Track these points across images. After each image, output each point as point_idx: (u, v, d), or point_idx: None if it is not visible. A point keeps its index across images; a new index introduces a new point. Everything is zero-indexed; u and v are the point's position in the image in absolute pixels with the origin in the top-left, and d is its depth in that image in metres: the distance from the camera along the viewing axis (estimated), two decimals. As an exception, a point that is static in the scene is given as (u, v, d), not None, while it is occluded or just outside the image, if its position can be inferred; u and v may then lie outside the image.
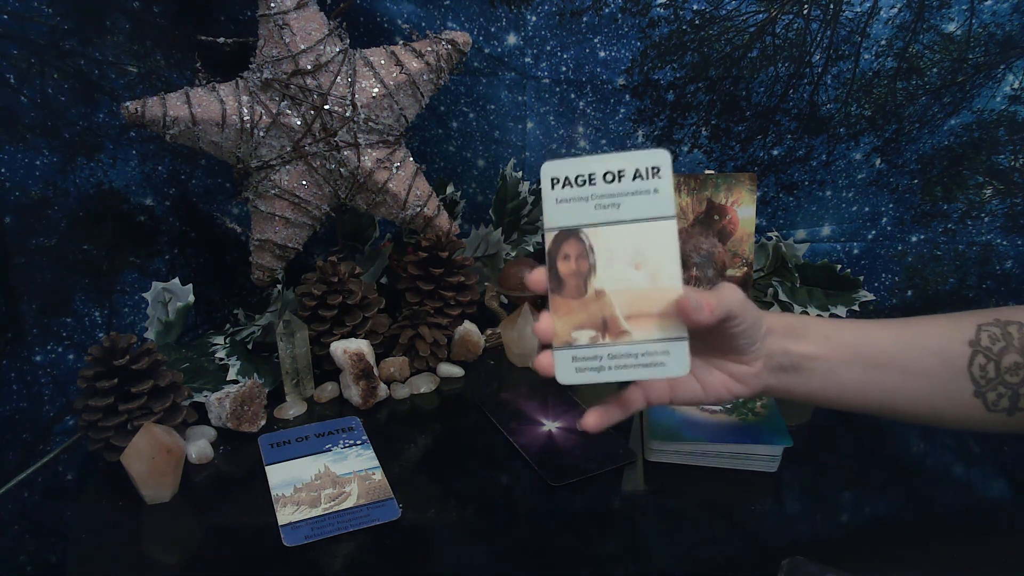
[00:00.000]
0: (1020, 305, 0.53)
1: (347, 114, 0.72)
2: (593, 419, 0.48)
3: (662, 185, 0.44)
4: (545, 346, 0.45)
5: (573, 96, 0.91)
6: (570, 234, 0.45)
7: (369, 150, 0.74)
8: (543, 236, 0.45)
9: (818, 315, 0.87)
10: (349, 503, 0.58)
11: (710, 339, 0.49)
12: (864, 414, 0.54)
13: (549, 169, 0.45)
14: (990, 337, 0.50)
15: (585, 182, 0.45)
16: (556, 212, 0.45)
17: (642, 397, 0.49)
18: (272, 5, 0.68)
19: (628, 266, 0.45)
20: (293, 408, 0.72)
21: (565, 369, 0.45)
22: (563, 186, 0.45)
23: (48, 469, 0.67)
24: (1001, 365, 0.50)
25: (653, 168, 0.44)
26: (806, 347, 0.50)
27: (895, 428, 0.71)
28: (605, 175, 0.45)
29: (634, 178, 0.45)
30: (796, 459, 0.63)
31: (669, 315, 0.44)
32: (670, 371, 0.44)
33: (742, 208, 0.81)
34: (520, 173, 0.94)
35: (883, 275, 0.96)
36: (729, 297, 0.45)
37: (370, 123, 0.73)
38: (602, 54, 0.88)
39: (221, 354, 0.75)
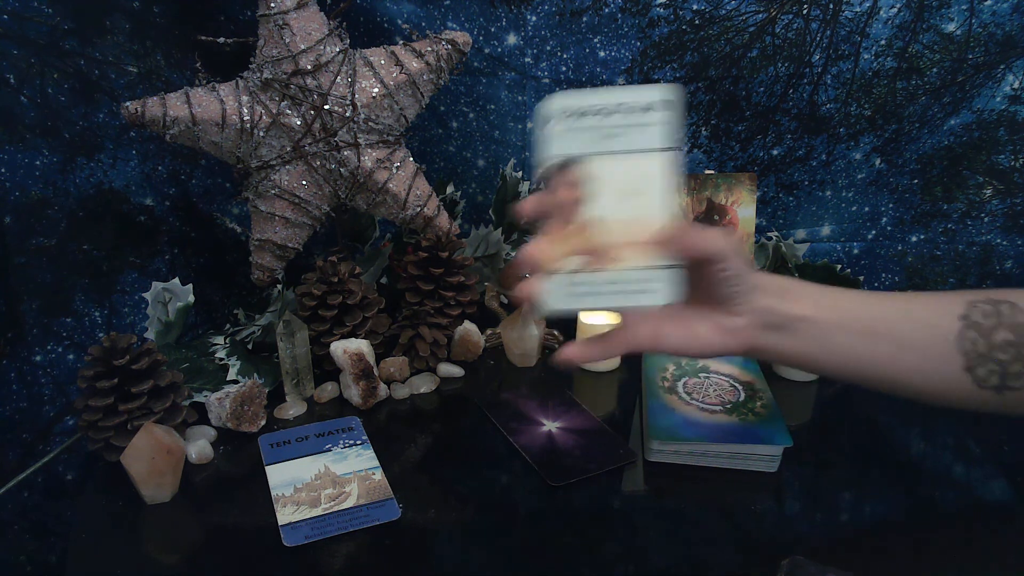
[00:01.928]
0: (1013, 288, 0.53)
1: (347, 114, 0.72)
2: (573, 351, 0.49)
3: (666, 119, 0.44)
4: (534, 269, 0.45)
5: (573, 96, 0.91)
6: (568, 162, 0.45)
7: (369, 150, 0.74)
8: (541, 163, 0.45)
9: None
10: (349, 503, 0.58)
11: (698, 284, 0.48)
12: (854, 384, 0.53)
13: (556, 100, 0.45)
14: (982, 313, 0.50)
15: (588, 113, 0.45)
16: (557, 140, 0.45)
17: (627, 338, 0.50)
18: (272, 5, 0.68)
19: (623, 195, 0.45)
20: (293, 408, 0.72)
21: (555, 295, 0.45)
22: (567, 116, 0.45)
23: (48, 469, 0.67)
24: (992, 341, 0.50)
25: (660, 102, 0.44)
26: (798, 308, 0.50)
27: (895, 428, 0.71)
28: (611, 106, 0.45)
29: (639, 111, 0.45)
30: (796, 459, 0.63)
31: (654, 250, 0.44)
32: (657, 298, 0.45)
33: (742, 208, 0.81)
34: (520, 173, 0.94)
35: (883, 275, 0.96)
36: (715, 239, 0.45)
37: (370, 123, 0.73)
38: (602, 54, 0.88)
39: (221, 354, 0.75)
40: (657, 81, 0.89)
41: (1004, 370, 0.50)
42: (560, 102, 0.45)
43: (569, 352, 0.49)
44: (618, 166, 0.45)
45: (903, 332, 0.51)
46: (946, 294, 0.53)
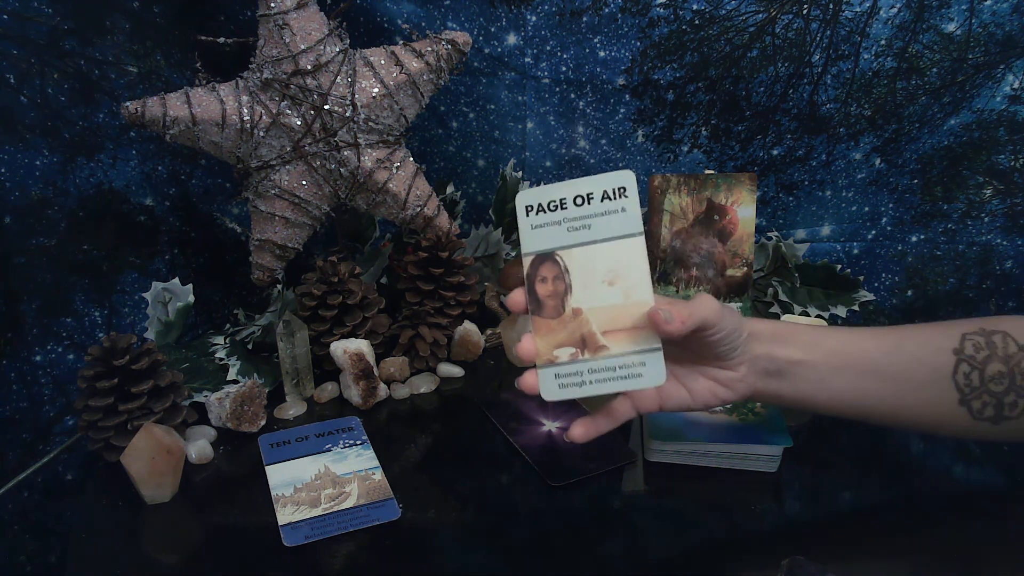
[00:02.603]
0: (1006, 315, 0.54)
1: (347, 114, 0.72)
2: (580, 430, 0.50)
3: (629, 204, 0.47)
4: (530, 367, 0.48)
5: (573, 96, 0.91)
6: (546, 257, 0.47)
7: (369, 150, 0.74)
8: (521, 261, 0.48)
9: (818, 315, 0.87)
10: (349, 503, 0.58)
11: (690, 347, 0.50)
12: (853, 420, 0.54)
13: (523, 198, 0.47)
14: (974, 346, 0.51)
15: (557, 207, 0.47)
16: (532, 237, 0.48)
17: (630, 407, 0.51)
18: (272, 5, 0.68)
19: (602, 284, 0.47)
20: (293, 408, 0.72)
21: (549, 386, 0.47)
22: (536, 212, 0.47)
23: (48, 469, 0.67)
24: (985, 374, 0.50)
25: (619, 189, 0.47)
26: (792, 352, 0.51)
27: (895, 428, 0.71)
28: (575, 199, 0.47)
29: (602, 199, 0.47)
30: (796, 459, 0.63)
31: (643, 328, 0.46)
32: (647, 382, 0.46)
33: (742, 208, 0.81)
34: (520, 173, 0.94)
35: (883, 275, 0.96)
36: (701, 308, 0.46)
37: (370, 123, 0.73)
38: (602, 54, 0.88)
39: (221, 354, 0.75)
40: (657, 81, 0.89)
41: (999, 401, 0.50)
42: (529, 199, 0.47)
43: (577, 432, 0.50)
44: (593, 256, 0.47)
45: (897, 369, 0.52)
46: (939, 326, 0.53)
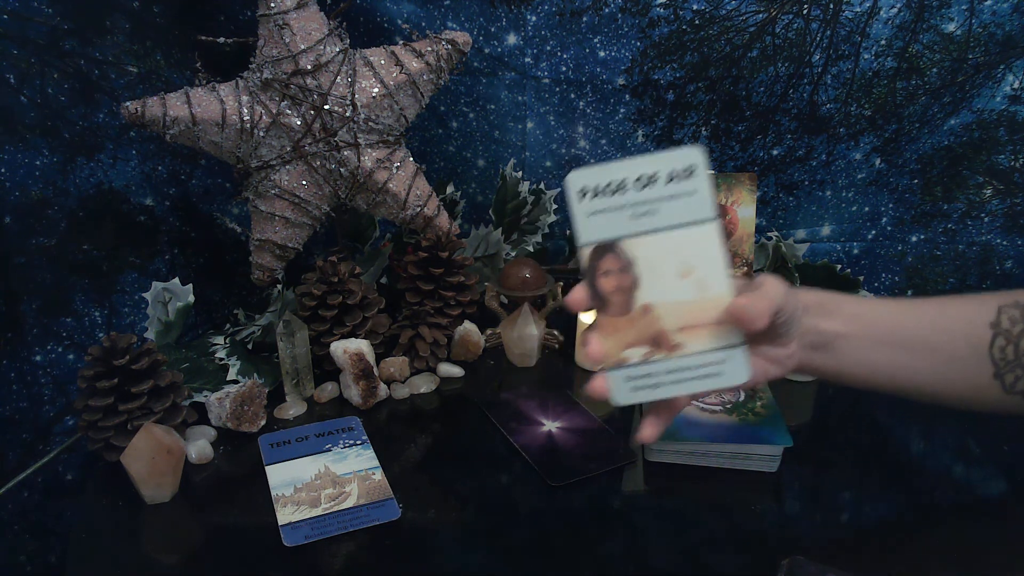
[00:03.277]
0: None
1: (347, 114, 0.72)
2: (650, 431, 0.47)
3: (699, 185, 0.41)
4: (598, 368, 0.43)
5: (573, 96, 0.91)
6: (607, 248, 0.42)
7: (369, 150, 0.74)
8: (578, 252, 0.43)
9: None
10: (349, 503, 0.58)
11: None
12: (887, 393, 0.53)
13: (576, 179, 0.41)
14: (1010, 319, 0.51)
15: (616, 190, 0.41)
16: (589, 225, 0.42)
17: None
18: (272, 5, 0.68)
19: (674, 276, 0.42)
20: (293, 408, 0.72)
21: (620, 390, 0.43)
22: (593, 196, 0.42)
23: (48, 469, 0.67)
24: (1020, 347, 0.50)
25: (687, 168, 0.41)
26: (836, 325, 0.50)
27: (895, 428, 0.71)
28: (637, 180, 0.41)
29: (668, 181, 0.41)
30: (796, 459, 0.63)
31: (722, 324, 0.42)
32: (727, 381, 0.42)
33: (742, 208, 0.81)
34: (520, 173, 0.94)
35: (883, 275, 0.96)
36: (774, 293, 0.43)
37: (370, 123, 0.73)
38: (602, 54, 0.88)
39: (221, 354, 0.75)
40: (657, 81, 0.89)
41: None
42: (581, 181, 0.41)
43: (648, 435, 0.47)
44: (663, 245, 0.42)
45: (937, 343, 0.51)
46: (976, 298, 0.53)
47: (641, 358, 0.42)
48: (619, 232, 0.42)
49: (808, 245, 0.93)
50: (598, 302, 0.42)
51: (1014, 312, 0.51)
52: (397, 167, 0.76)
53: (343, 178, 0.75)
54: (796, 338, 0.49)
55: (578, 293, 0.43)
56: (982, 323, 0.51)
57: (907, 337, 0.51)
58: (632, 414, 0.72)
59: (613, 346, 0.42)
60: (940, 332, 0.51)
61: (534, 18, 0.86)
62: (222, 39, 0.74)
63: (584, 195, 0.41)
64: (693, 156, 0.41)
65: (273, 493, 0.60)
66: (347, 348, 0.72)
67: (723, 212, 0.81)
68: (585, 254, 0.42)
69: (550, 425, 0.69)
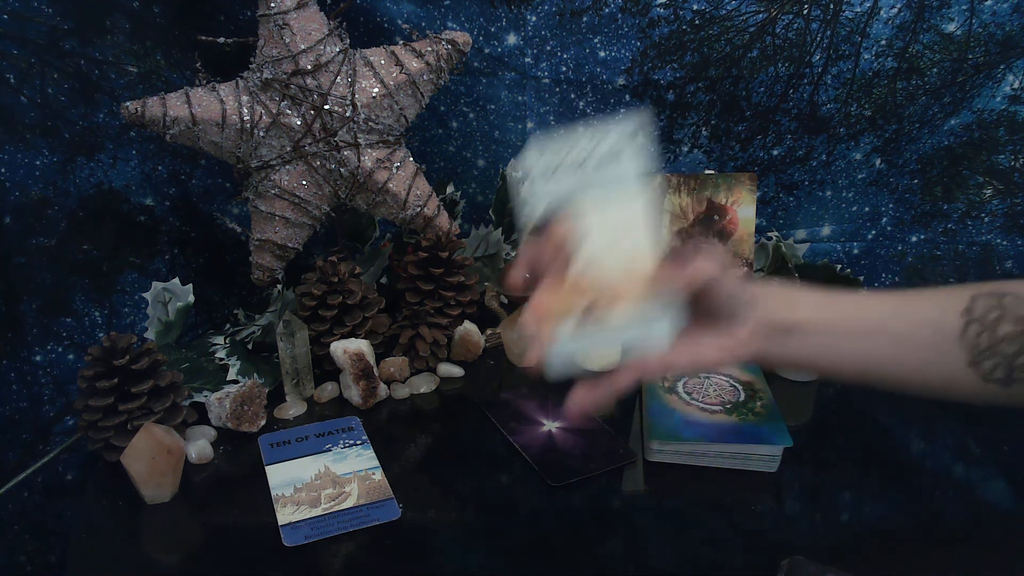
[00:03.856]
0: (1018, 279, 0.53)
1: (347, 114, 0.72)
2: (584, 397, 0.48)
3: (635, 151, 0.44)
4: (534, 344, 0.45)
5: (573, 96, 0.91)
6: (544, 225, 0.44)
7: (369, 150, 0.74)
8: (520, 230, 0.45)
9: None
10: (349, 503, 0.58)
11: (695, 305, 0.48)
12: (859, 384, 0.54)
13: (526, 157, 0.44)
14: (984, 307, 0.50)
15: (561, 165, 0.44)
16: (535, 198, 0.44)
17: (636, 367, 0.48)
18: (272, 5, 0.68)
19: (612, 240, 0.44)
20: (293, 408, 0.72)
21: (554, 365, 0.44)
22: (541, 174, 0.44)
23: (48, 469, 0.67)
24: (996, 334, 0.50)
25: (626, 136, 0.43)
26: (800, 313, 0.50)
27: (895, 428, 0.71)
28: (580, 153, 0.44)
29: (608, 151, 0.44)
30: (796, 459, 0.63)
31: (646, 294, 0.44)
32: (653, 348, 0.45)
33: (742, 208, 0.81)
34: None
35: (883, 275, 0.96)
36: (704, 267, 0.45)
37: (370, 123, 0.73)
38: (602, 54, 0.88)
39: (221, 354, 0.75)
40: (657, 81, 0.89)
41: (1010, 363, 0.50)
42: (531, 158, 0.44)
43: (581, 400, 0.48)
44: (603, 211, 0.44)
45: (906, 331, 0.51)
46: (948, 289, 0.53)
47: (573, 329, 0.44)
48: (555, 209, 0.44)
49: (808, 245, 0.93)
50: (534, 279, 0.44)
51: (989, 300, 0.50)
52: (397, 167, 0.76)
53: (343, 178, 0.75)
54: (750, 323, 0.49)
55: (518, 265, 0.44)
56: (952, 311, 0.50)
57: (873, 325, 0.51)
58: (632, 414, 0.72)
59: (556, 305, 0.44)
60: (908, 320, 0.51)
61: (534, 18, 0.86)
62: (222, 39, 0.74)
63: (535, 172, 0.43)
64: (631, 124, 0.43)
65: (273, 493, 0.60)
66: (347, 348, 0.72)
67: (723, 212, 0.81)
68: (533, 222, 0.44)
69: (550, 425, 0.69)
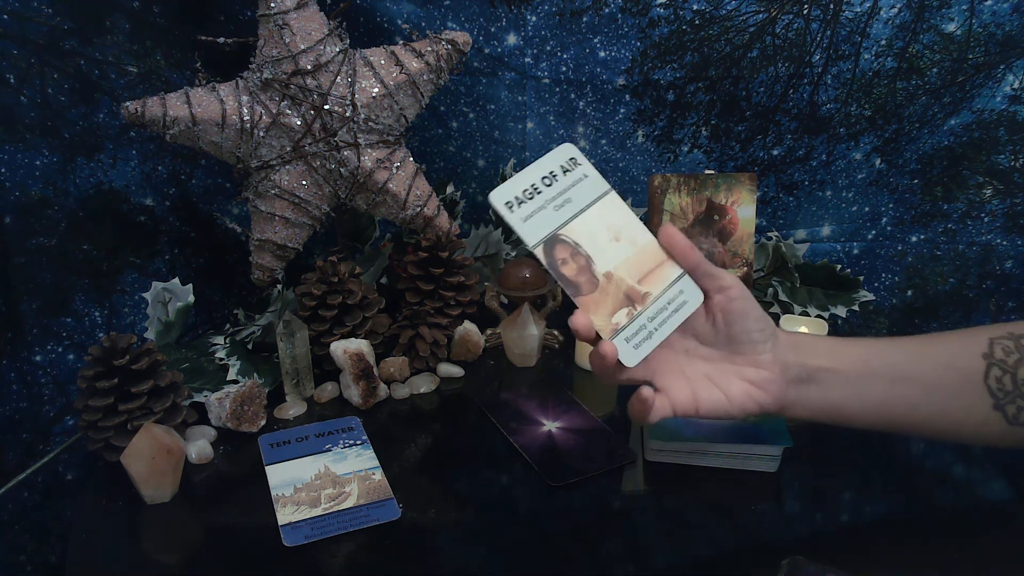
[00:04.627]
0: None
1: (347, 114, 0.72)
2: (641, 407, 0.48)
3: (587, 170, 0.49)
4: (591, 341, 0.47)
5: (573, 96, 0.91)
6: (555, 241, 0.48)
7: (369, 150, 0.74)
8: (534, 254, 0.48)
9: (818, 315, 0.87)
10: (349, 503, 0.58)
11: (718, 327, 0.50)
12: (890, 432, 0.53)
13: (498, 196, 0.47)
14: (1003, 350, 0.50)
15: (533, 193, 0.48)
16: (529, 228, 0.47)
17: (669, 406, 0.49)
18: (272, 5, 0.68)
19: (610, 242, 0.49)
20: (293, 408, 0.72)
21: (627, 352, 0.47)
22: (518, 205, 0.47)
23: (48, 469, 0.67)
24: (1018, 377, 0.50)
25: (570, 160, 0.49)
26: (818, 360, 0.50)
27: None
28: (543, 180, 0.48)
29: (564, 173, 0.49)
30: (796, 459, 0.63)
31: (662, 264, 0.49)
32: (694, 302, 0.49)
33: (742, 208, 0.81)
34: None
35: (883, 275, 0.96)
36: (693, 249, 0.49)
37: (370, 123, 0.73)
38: (602, 54, 0.88)
39: (221, 354, 0.75)
40: (657, 81, 0.89)
41: None
42: (503, 196, 0.47)
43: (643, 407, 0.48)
44: (589, 222, 0.49)
45: (927, 375, 0.51)
46: (965, 332, 0.53)
47: (627, 318, 0.48)
48: (554, 224, 0.48)
49: (808, 245, 0.93)
50: (572, 288, 0.47)
51: (1007, 343, 0.50)
52: (397, 167, 0.76)
53: (343, 178, 0.75)
54: (778, 365, 0.49)
55: (579, 317, 0.46)
56: (973, 354, 0.51)
57: (894, 370, 0.51)
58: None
59: (600, 319, 0.47)
60: (929, 363, 0.51)
61: (534, 18, 0.86)
62: (222, 39, 0.74)
63: (511, 206, 0.47)
64: (568, 151, 0.49)
65: (273, 493, 0.60)
66: (347, 348, 0.72)
67: (723, 212, 0.81)
68: (540, 252, 0.47)
69: (550, 425, 0.69)
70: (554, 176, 0.48)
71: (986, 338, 0.51)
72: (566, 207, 0.48)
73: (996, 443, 0.52)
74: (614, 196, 0.50)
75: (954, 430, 0.52)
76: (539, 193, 0.48)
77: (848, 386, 0.50)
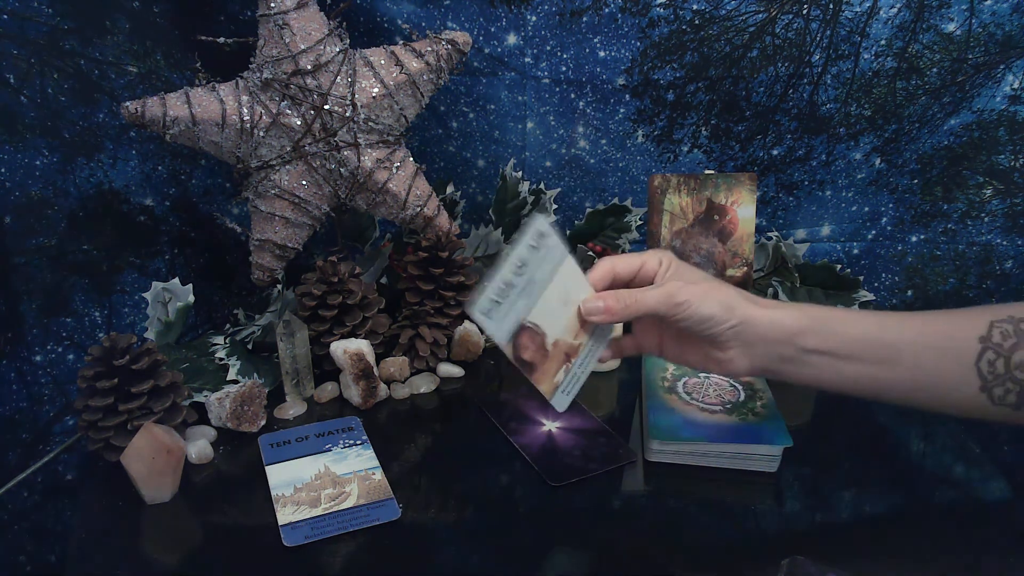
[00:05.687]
0: None
1: (347, 114, 0.72)
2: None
3: (551, 240, 0.51)
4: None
5: (573, 96, 0.91)
6: (521, 330, 0.51)
7: (369, 150, 0.74)
8: (502, 349, 0.52)
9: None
10: (349, 503, 0.58)
11: (675, 333, 0.56)
12: (863, 399, 0.55)
13: (478, 309, 0.49)
14: (1002, 334, 0.50)
15: (507, 292, 0.50)
16: (501, 328, 0.50)
17: (632, 344, 0.59)
18: (272, 5, 0.68)
19: (560, 308, 0.53)
20: (293, 408, 0.72)
21: (561, 400, 0.55)
22: (496, 308, 0.50)
23: (48, 469, 0.67)
24: (1011, 361, 0.50)
25: (539, 236, 0.50)
26: (811, 342, 0.51)
27: (896, 428, 0.71)
28: (515, 272, 0.50)
29: (533, 252, 0.50)
30: (796, 459, 0.63)
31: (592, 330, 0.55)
32: (605, 337, 0.57)
33: (742, 208, 0.81)
34: (520, 173, 0.94)
35: (883, 275, 0.96)
36: (646, 299, 0.52)
37: (370, 123, 0.73)
38: (602, 54, 0.88)
39: (221, 354, 0.75)
40: (657, 81, 0.89)
41: (1022, 388, 0.50)
42: (481, 308, 0.49)
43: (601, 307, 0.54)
44: (548, 298, 0.52)
45: (918, 359, 0.51)
46: (967, 312, 0.53)
47: (564, 373, 0.55)
48: (521, 315, 0.51)
49: (808, 245, 0.93)
50: (528, 369, 0.52)
51: (1007, 326, 0.50)
52: (397, 167, 0.76)
53: (343, 178, 0.75)
54: (739, 349, 0.52)
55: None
56: (970, 337, 0.51)
57: (885, 352, 0.52)
58: (632, 414, 0.72)
59: (546, 385, 0.54)
60: (920, 347, 0.52)
61: (534, 18, 0.86)
62: (222, 39, 0.74)
63: (489, 314, 0.50)
64: (539, 225, 0.50)
65: (273, 493, 0.60)
66: (347, 348, 0.72)
67: (723, 212, 0.81)
68: (508, 349, 0.51)
69: (550, 425, 0.69)
70: (525, 263, 0.50)
71: (987, 320, 0.51)
72: (530, 289, 0.51)
73: (977, 417, 0.53)
74: (570, 260, 0.52)
75: (936, 405, 0.53)
76: (512, 288, 0.50)
77: (833, 367, 0.52)
